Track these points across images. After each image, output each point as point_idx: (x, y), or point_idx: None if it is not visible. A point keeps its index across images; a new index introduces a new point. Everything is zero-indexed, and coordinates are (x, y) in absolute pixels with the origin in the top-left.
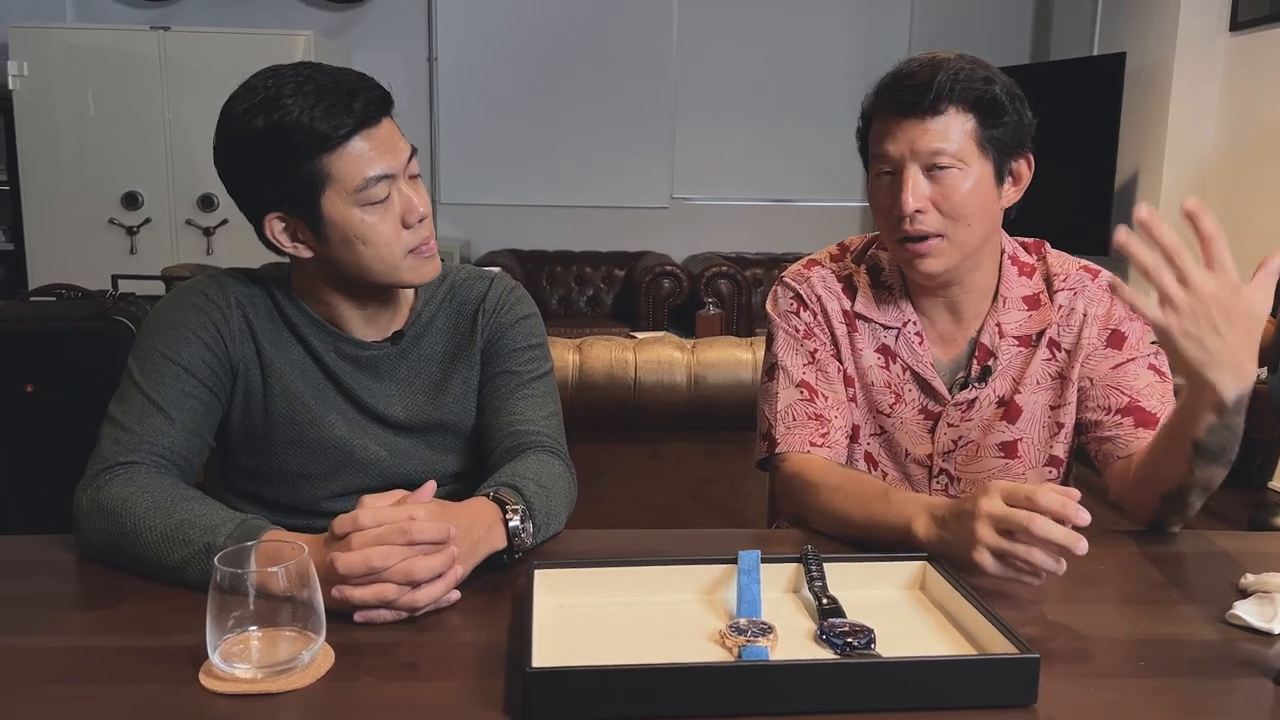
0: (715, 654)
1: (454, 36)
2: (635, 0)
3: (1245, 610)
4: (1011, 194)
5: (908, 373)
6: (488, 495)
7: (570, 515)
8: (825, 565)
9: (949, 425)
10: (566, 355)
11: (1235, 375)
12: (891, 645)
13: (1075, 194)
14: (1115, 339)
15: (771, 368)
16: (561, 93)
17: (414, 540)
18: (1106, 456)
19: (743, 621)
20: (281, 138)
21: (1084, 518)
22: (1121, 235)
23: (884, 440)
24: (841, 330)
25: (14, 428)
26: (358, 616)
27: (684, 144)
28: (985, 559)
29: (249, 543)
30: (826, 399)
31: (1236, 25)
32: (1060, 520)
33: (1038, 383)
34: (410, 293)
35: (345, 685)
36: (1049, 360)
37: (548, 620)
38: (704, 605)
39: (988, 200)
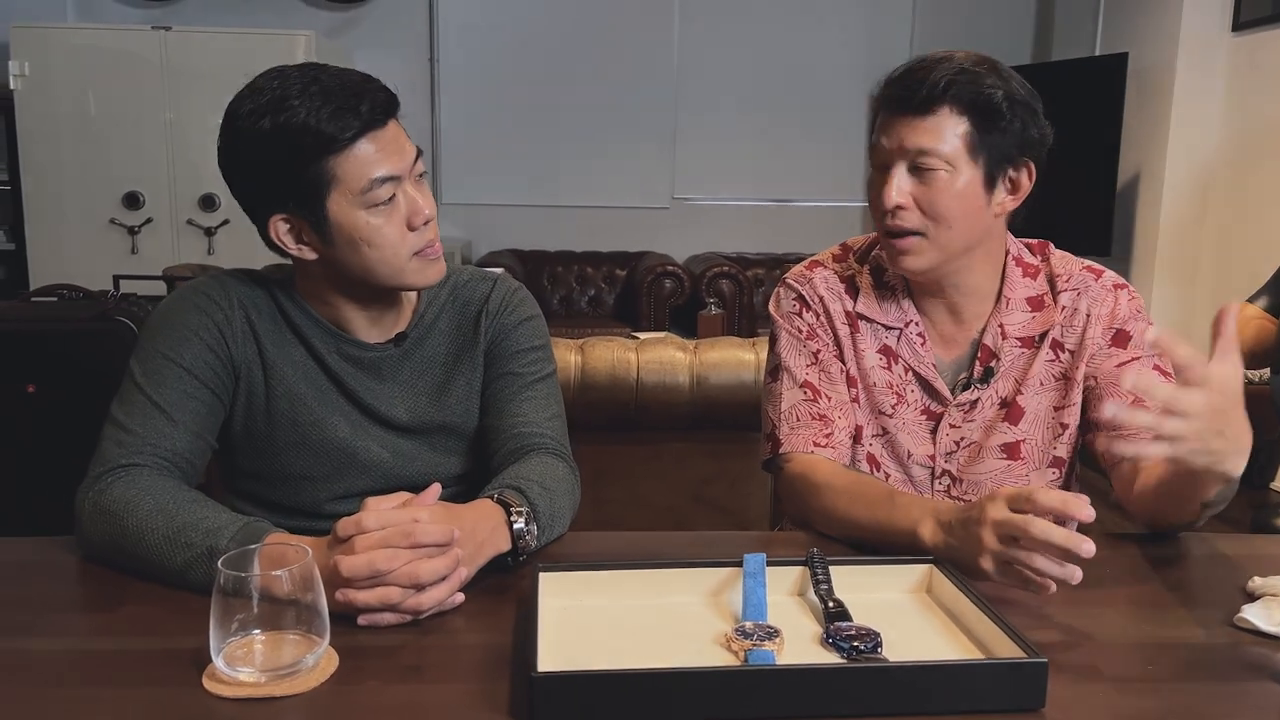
0: (721, 658)
1: (455, 37)
2: (637, 0)
3: (1253, 614)
4: (1007, 202)
5: (909, 373)
6: (492, 497)
7: (574, 517)
8: (831, 568)
9: (951, 426)
10: (569, 356)
11: (1242, 455)
12: (898, 649)
13: (1078, 195)
14: (1120, 338)
15: (775, 369)
16: (563, 93)
17: (418, 543)
18: (1113, 457)
19: (749, 625)
20: (287, 139)
21: (1086, 513)
22: (1109, 413)
23: (886, 441)
24: (844, 331)
25: (15, 428)
26: (362, 620)
27: (685, 144)
28: (991, 566)
29: (252, 546)
30: (830, 399)
31: (1239, 25)
32: (1062, 517)
33: (1041, 384)
34: (413, 294)
35: (349, 689)
36: (1052, 361)
37: (552, 623)
38: (709, 609)
39: (973, 206)
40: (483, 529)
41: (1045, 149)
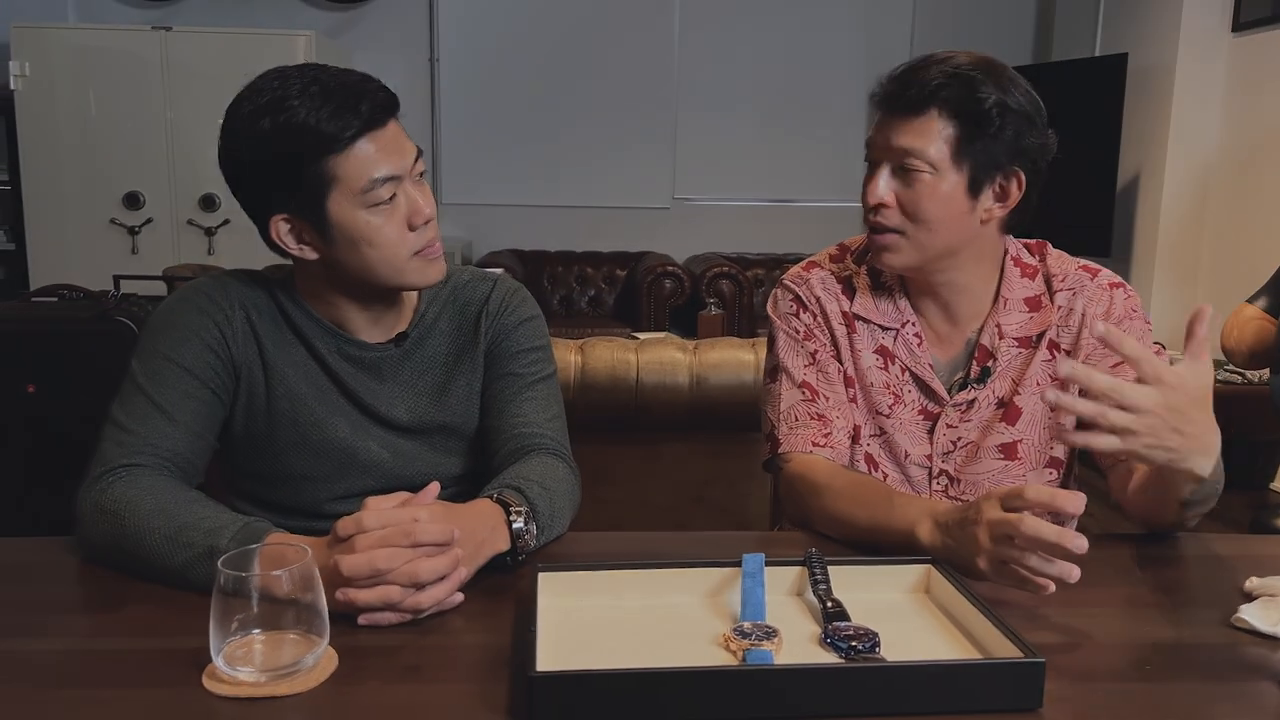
0: (719, 658)
1: (455, 37)
2: (637, 0)
3: (1251, 614)
4: (995, 209)
5: (906, 373)
6: (491, 497)
7: (574, 517)
8: (830, 568)
9: (948, 426)
10: (569, 356)
11: (1206, 454)
12: (896, 649)
13: (1077, 195)
14: None
15: (773, 369)
16: (563, 93)
17: (418, 542)
18: (1110, 458)
19: (747, 625)
20: (288, 139)
21: (1074, 506)
22: (1050, 397)
23: (884, 441)
24: (840, 331)
25: (16, 428)
26: (362, 619)
27: (685, 144)
28: (987, 566)
29: (252, 545)
30: (828, 399)
31: (1239, 26)
32: (1051, 510)
33: (1038, 384)
34: (414, 294)
35: (349, 688)
36: (1049, 361)
37: (551, 623)
38: (708, 609)
39: (955, 211)
40: (482, 528)
41: (1045, 158)
